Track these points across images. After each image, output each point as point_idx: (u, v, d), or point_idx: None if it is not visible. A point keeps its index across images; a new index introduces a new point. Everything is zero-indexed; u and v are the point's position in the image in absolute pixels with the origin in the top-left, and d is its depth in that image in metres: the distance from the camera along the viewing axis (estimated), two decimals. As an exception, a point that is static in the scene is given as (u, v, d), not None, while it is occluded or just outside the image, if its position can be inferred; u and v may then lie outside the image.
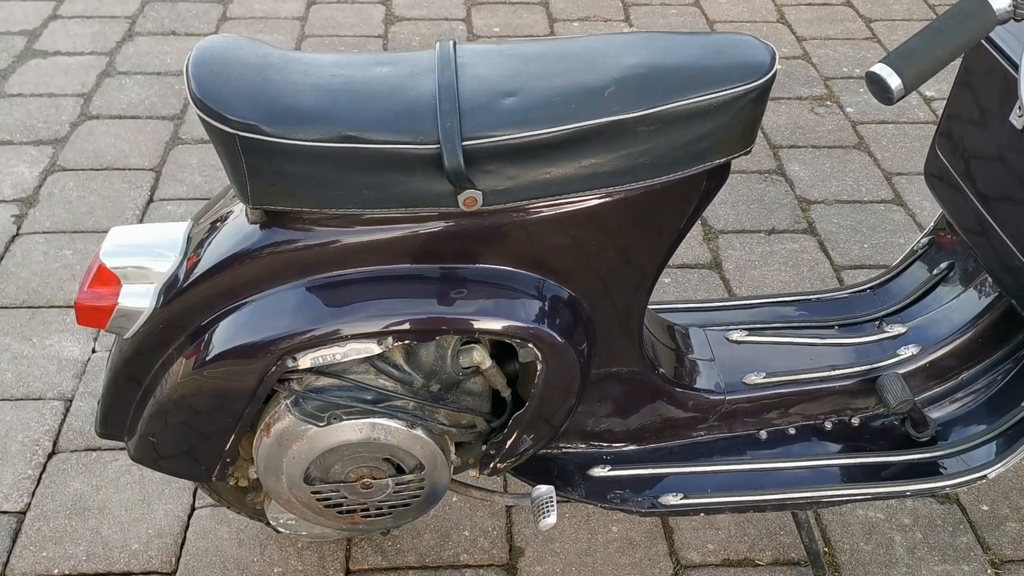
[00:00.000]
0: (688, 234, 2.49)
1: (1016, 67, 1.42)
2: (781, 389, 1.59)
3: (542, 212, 1.30)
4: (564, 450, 1.56)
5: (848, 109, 3.04)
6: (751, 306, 1.79)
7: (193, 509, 1.79)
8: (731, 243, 2.50)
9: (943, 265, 1.71)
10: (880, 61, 1.16)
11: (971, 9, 1.15)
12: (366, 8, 3.47)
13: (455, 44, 1.31)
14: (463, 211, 1.26)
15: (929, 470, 1.53)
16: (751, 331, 1.68)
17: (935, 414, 1.60)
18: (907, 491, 1.51)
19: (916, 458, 1.55)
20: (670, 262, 2.45)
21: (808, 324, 1.73)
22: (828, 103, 3.07)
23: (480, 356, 1.35)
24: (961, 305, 1.61)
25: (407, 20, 3.41)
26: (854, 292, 1.80)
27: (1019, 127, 1.41)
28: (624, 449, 1.56)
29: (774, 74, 1.27)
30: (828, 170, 2.77)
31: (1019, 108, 1.15)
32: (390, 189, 1.24)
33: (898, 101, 1.16)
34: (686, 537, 1.78)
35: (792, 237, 2.53)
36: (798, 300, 1.81)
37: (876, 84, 1.15)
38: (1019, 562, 1.76)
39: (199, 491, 1.80)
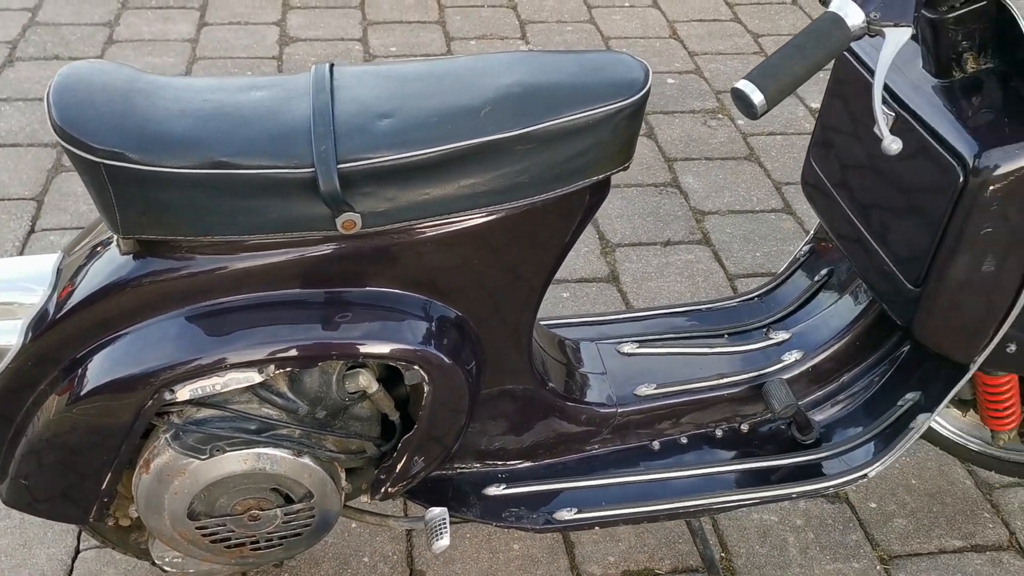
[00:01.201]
0: (585, 248, 2.56)
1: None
2: (671, 399, 1.61)
3: (425, 233, 1.30)
4: (459, 470, 1.55)
5: (739, 121, 3.12)
6: (644, 318, 1.82)
7: (77, 552, 1.72)
8: (628, 256, 2.54)
9: (823, 272, 1.76)
10: (744, 78, 1.19)
11: (827, 26, 1.19)
12: (259, 29, 3.42)
13: (332, 66, 1.30)
14: (343, 234, 1.25)
15: (814, 472, 1.57)
16: (642, 343, 1.71)
17: (819, 417, 1.65)
18: (793, 493, 1.55)
19: (801, 461, 1.59)
20: (568, 277, 2.47)
21: (699, 334, 1.76)
22: (720, 116, 3.15)
23: (366, 380, 1.33)
24: (838, 311, 1.67)
25: (302, 41, 3.37)
26: (742, 300, 1.84)
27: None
28: (519, 466, 1.56)
29: (648, 91, 1.29)
30: (721, 181, 2.84)
31: (877, 128, 1.20)
32: (267, 214, 1.22)
33: (762, 115, 1.19)
34: (587, 550, 1.79)
35: (687, 248, 2.58)
36: (689, 310, 1.84)
37: (741, 100, 1.19)
38: (906, 557, 1.82)
39: (84, 533, 1.73)
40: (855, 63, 1.54)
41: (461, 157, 1.23)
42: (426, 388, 1.32)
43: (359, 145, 1.20)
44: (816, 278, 1.77)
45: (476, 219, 1.30)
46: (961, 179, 1.32)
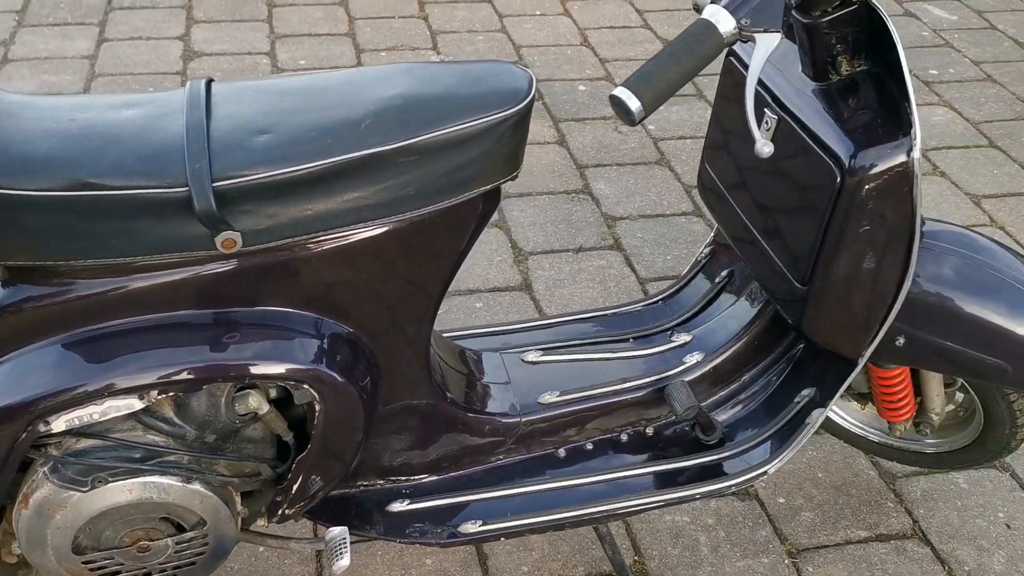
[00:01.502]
0: (498, 258, 2.56)
1: (761, 85, 1.51)
2: (576, 406, 1.62)
3: (311, 249, 1.28)
4: (362, 488, 1.53)
5: (650, 126, 3.16)
6: (550, 326, 1.82)
7: (-33, 592, 1.65)
8: (541, 264, 2.55)
9: (723, 274, 1.79)
10: (621, 84, 1.20)
11: (699, 33, 1.21)
12: (162, 44, 3.35)
13: (209, 82, 1.27)
14: (224, 253, 1.22)
15: (716, 472, 1.59)
16: (546, 351, 1.71)
17: (721, 417, 1.67)
18: (696, 494, 1.56)
19: (704, 461, 1.60)
20: (481, 286, 2.47)
21: (604, 339, 1.77)
22: (630, 122, 3.18)
23: (256, 402, 1.30)
24: (737, 312, 1.69)
25: (207, 55, 3.31)
26: (647, 304, 1.86)
27: (768, 139, 1.49)
28: (423, 481, 1.55)
29: (532, 100, 1.29)
30: (632, 186, 2.87)
31: (755, 139, 1.20)
32: (142, 236, 1.18)
33: (640, 122, 1.20)
34: (500, 561, 1.78)
35: (599, 254, 2.60)
36: (595, 316, 1.85)
37: (619, 107, 1.20)
38: (813, 550, 1.85)
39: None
40: (741, 68, 1.56)
41: (343, 171, 1.21)
42: (318, 407, 1.30)
43: (235, 162, 1.17)
44: (717, 280, 1.79)
45: (364, 233, 1.29)
46: (839, 179, 1.34)
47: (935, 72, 3.51)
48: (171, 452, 1.29)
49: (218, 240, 1.19)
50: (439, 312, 2.33)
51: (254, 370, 1.26)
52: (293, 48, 3.39)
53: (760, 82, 1.52)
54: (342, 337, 1.34)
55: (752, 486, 1.96)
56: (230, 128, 1.20)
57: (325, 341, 1.32)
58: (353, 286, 1.33)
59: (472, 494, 1.54)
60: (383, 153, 1.22)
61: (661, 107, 3.31)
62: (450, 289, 2.46)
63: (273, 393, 1.37)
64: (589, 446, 1.64)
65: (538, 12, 3.78)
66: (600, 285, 2.48)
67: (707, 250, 1.85)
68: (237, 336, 1.28)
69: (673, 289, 1.86)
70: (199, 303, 1.27)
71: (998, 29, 3.84)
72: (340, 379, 1.30)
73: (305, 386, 1.28)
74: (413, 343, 1.42)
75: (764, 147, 1.18)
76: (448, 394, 1.50)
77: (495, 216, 2.70)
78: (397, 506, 1.51)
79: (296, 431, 1.39)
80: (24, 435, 1.20)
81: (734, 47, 1.58)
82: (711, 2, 1.22)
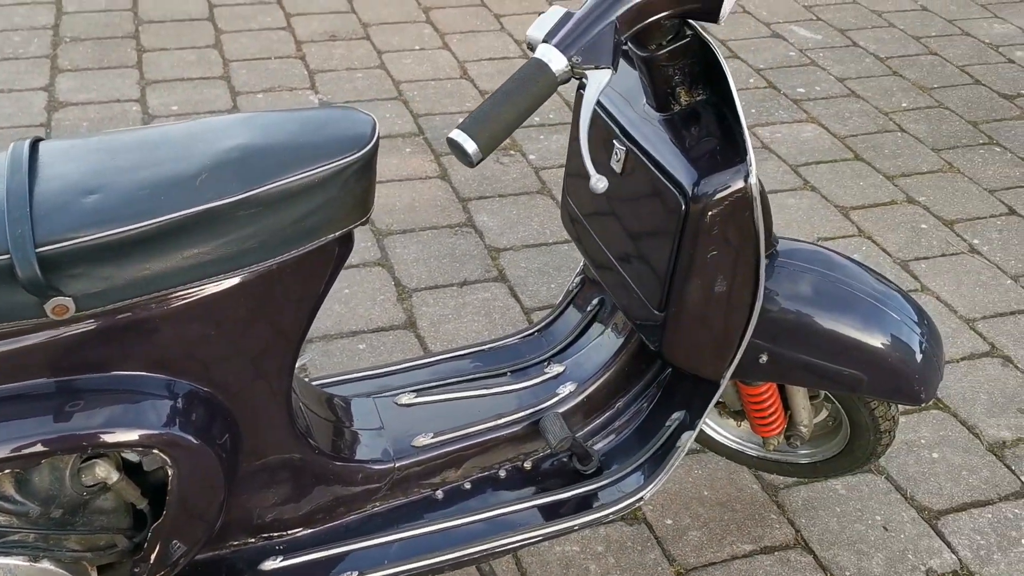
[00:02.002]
0: (381, 296, 2.53)
1: (610, 118, 1.54)
2: (451, 446, 1.60)
3: (155, 308, 1.24)
4: (232, 548, 1.48)
5: (531, 156, 3.19)
6: (426, 365, 1.80)
7: None
8: (425, 300, 2.53)
9: (595, 302, 1.80)
10: (457, 127, 1.20)
11: (532, 72, 1.22)
12: (24, 96, 3.23)
13: (34, 142, 1.23)
14: (58, 320, 1.17)
15: (594, 501, 1.59)
16: (420, 392, 1.69)
17: (598, 445, 1.67)
18: (575, 525, 1.56)
19: (582, 492, 1.61)
20: (364, 327, 2.44)
21: (481, 375, 1.76)
22: (512, 152, 3.21)
23: (105, 471, 1.25)
24: (605, 341, 1.71)
25: (73, 105, 3.21)
26: (524, 337, 1.86)
27: (618, 171, 1.52)
28: (297, 535, 1.51)
29: (375, 144, 1.29)
30: (515, 217, 2.89)
31: (590, 174, 1.21)
32: (-36, 307, 1.13)
33: (479, 163, 1.21)
34: (388, 609, 1.75)
35: (484, 286, 2.60)
36: (473, 352, 1.84)
37: (456, 149, 1.20)
38: (701, 568, 1.87)
39: None
40: (590, 100, 1.58)
41: (178, 228, 1.18)
42: (171, 471, 1.26)
43: (61, 225, 1.13)
44: (588, 308, 1.81)
45: (211, 289, 1.25)
46: (684, 207, 1.37)
47: (803, 90, 3.64)
48: (14, 531, 1.23)
49: (48, 307, 1.15)
50: (319, 358, 2.32)
51: (102, 438, 1.21)
52: (165, 94, 3.32)
53: (609, 114, 1.55)
54: (197, 396, 1.30)
55: (640, 508, 1.97)
56: (56, 190, 1.16)
57: (178, 402, 1.28)
58: (205, 343, 1.29)
59: (348, 544, 1.51)
60: (220, 207, 1.19)
61: (541, 136, 3.36)
62: (332, 332, 2.44)
63: (133, 457, 1.32)
64: (467, 485, 1.63)
65: (417, 47, 3.79)
66: (486, 318, 2.48)
67: (578, 279, 1.87)
68: (81, 404, 1.23)
69: (548, 320, 1.87)
70: (40, 372, 1.22)
71: (860, 46, 4.02)
72: (195, 441, 1.26)
73: (155, 451, 1.23)
74: (274, 395, 1.38)
75: (598, 183, 1.20)
76: (315, 444, 1.47)
77: (377, 254, 2.68)
78: (270, 564, 1.47)
79: (153, 496, 1.34)
80: None
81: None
82: (543, 41, 1.24)
